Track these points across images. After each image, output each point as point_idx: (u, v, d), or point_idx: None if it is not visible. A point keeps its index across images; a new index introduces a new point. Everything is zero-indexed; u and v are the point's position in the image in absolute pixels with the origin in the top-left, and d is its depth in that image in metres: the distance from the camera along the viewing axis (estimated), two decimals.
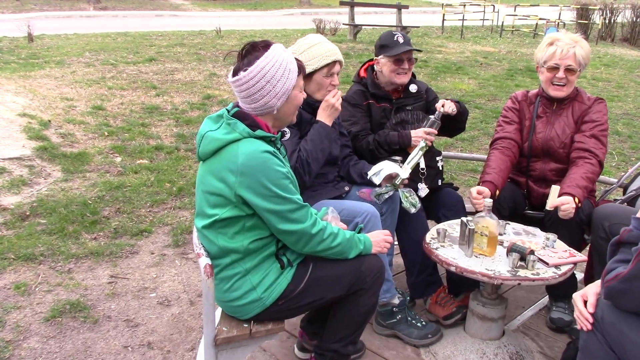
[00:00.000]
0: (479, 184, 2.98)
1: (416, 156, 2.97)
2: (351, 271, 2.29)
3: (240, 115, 2.16)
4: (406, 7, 15.46)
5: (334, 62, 2.90)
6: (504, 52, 14.07)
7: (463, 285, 3.06)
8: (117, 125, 6.57)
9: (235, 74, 2.17)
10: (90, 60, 9.98)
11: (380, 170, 2.89)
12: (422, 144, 3.02)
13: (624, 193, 3.29)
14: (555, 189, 2.78)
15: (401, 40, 3.20)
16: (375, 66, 3.31)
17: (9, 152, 5.29)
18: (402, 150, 3.16)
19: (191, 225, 4.31)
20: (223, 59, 9.95)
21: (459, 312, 2.95)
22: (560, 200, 2.75)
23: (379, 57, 3.24)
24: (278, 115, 2.24)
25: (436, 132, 3.13)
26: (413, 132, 3.14)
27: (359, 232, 2.40)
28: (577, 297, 2.11)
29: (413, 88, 3.33)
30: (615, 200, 3.20)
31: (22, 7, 20.87)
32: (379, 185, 2.89)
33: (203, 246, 2.25)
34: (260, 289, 2.21)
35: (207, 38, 13.52)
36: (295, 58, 2.25)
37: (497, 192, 2.95)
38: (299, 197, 2.19)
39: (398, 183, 2.87)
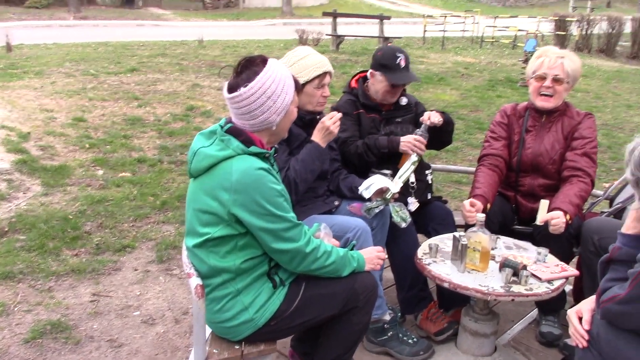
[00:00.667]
0: (469, 199, 2.96)
1: (408, 170, 2.95)
2: (345, 289, 2.24)
3: (234, 131, 2.11)
4: (388, 18, 15.55)
5: (325, 74, 2.89)
6: (484, 62, 14.21)
7: (454, 300, 3.03)
8: (99, 137, 6.46)
9: (232, 90, 2.11)
10: (70, 70, 9.83)
11: (370, 185, 2.86)
12: (414, 157, 2.99)
13: (610, 205, 3.30)
14: (544, 204, 2.78)
15: (403, 64, 3.16)
16: (368, 77, 3.29)
17: None
18: (392, 162, 3.13)
19: (176, 241, 4.24)
20: (218, 73, 9.84)
21: (451, 327, 2.92)
22: (550, 215, 2.75)
23: (377, 72, 3.20)
24: (276, 130, 2.20)
25: (425, 142, 3.11)
26: (403, 138, 3.11)
27: (351, 249, 2.36)
28: (571, 313, 2.09)
29: (403, 101, 3.33)
30: (602, 212, 3.20)
31: (0, 17, 20.61)
32: (370, 200, 2.86)
33: (193, 265, 2.19)
34: (252, 310, 2.15)
35: (189, 48, 13.44)
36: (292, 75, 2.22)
37: (488, 205, 2.94)
38: (293, 215, 2.15)
39: (389, 197, 2.84)
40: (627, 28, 18.83)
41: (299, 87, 2.30)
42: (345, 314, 2.26)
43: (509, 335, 3.12)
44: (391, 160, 3.16)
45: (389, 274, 3.23)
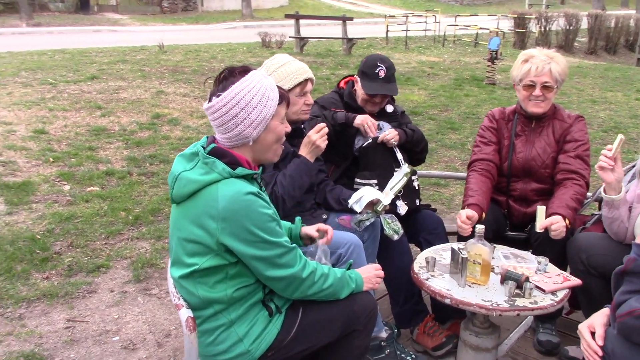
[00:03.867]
0: (463, 208, 2.88)
1: (400, 181, 2.86)
2: (344, 313, 2.12)
3: (217, 152, 1.95)
4: (351, 19, 15.56)
5: (306, 81, 2.80)
6: (448, 61, 14.32)
7: (450, 313, 2.95)
8: (63, 149, 6.19)
9: (209, 100, 1.98)
10: (27, 80, 9.44)
11: (361, 197, 2.76)
12: (406, 169, 2.91)
13: (600, 207, 3.27)
14: (541, 210, 2.71)
15: (382, 74, 3.10)
16: (354, 82, 3.25)
17: None
18: (379, 174, 3.05)
19: (152, 258, 4.06)
20: (203, 84, 9.56)
21: (450, 342, 2.84)
22: (550, 220, 2.68)
23: (358, 78, 3.19)
24: (256, 147, 2.03)
25: (396, 136, 3.08)
26: (359, 115, 3.07)
27: (348, 268, 2.25)
28: (583, 328, 2.03)
29: (389, 108, 3.28)
30: (593, 214, 3.16)
31: None
32: (360, 212, 2.76)
33: (182, 296, 2.03)
34: (247, 341, 1.99)
35: (150, 54, 13.13)
36: (278, 86, 2.08)
37: (484, 214, 2.86)
38: (287, 239, 2.00)
39: (380, 209, 2.74)
40: (584, 24, 19.31)
41: (286, 101, 2.13)
42: (345, 338, 2.14)
43: (506, 345, 3.04)
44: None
45: (380, 286, 3.13)
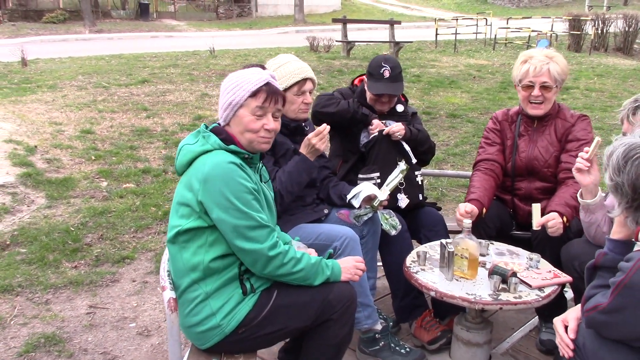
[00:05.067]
0: (464, 203, 2.89)
1: (396, 178, 2.89)
2: (318, 300, 2.18)
3: (215, 129, 2.20)
4: (399, 22, 15.53)
5: (304, 80, 2.87)
6: (497, 64, 14.08)
7: (449, 309, 2.96)
8: (105, 148, 6.51)
9: None
10: (82, 83, 9.96)
11: (358, 192, 2.82)
12: (403, 166, 2.94)
13: None
14: (536, 207, 2.70)
15: (387, 74, 3.15)
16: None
17: None
18: (380, 170, 3.11)
19: None
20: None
21: (444, 336, 2.85)
22: (545, 217, 2.67)
23: (365, 78, 3.27)
24: (232, 130, 2.21)
25: (402, 129, 3.14)
26: (375, 121, 3.18)
27: (329, 258, 2.31)
28: (557, 321, 2.03)
29: (399, 108, 3.34)
30: None
31: (17, 32, 20.99)
32: (359, 207, 2.82)
33: (170, 278, 2.17)
34: (219, 315, 2.12)
35: (200, 58, 13.54)
36: (271, 85, 2.19)
37: (484, 210, 2.87)
38: (263, 216, 2.11)
39: (376, 205, 2.79)
40: None
41: (264, 96, 2.18)
42: (320, 327, 2.20)
43: (508, 343, 3.03)
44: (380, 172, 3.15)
45: (386, 282, 3.17)
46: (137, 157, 6.31)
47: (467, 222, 2.44)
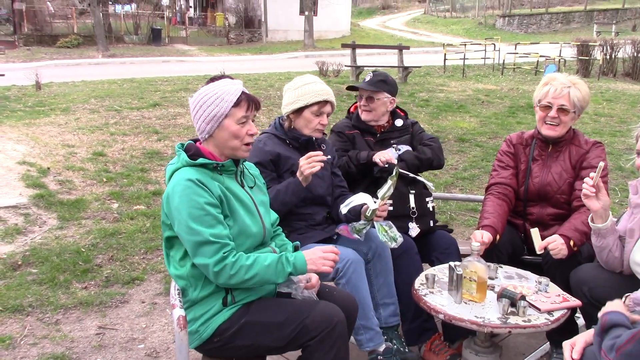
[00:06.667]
0: (478, 229, 2.90)
1: (386, 186, 2.75)
2: (293, 322, 2.19)
3: (187, 147, 2.32)
4: (407, 47, 15.66)
5: (325, 102, 2.94)
6: (505, 89, 14.12)
7: (459, 332, 2.95)
8: (117, 171, 6.59)
9: None
10: (95, 106, 10.10)
11: (350, 202, 2.80)
12: (393, 174, 2.89)
13: None
14: (535, 232, 2.73)
15: (368, 78, 3.36)
16: None
17: (6, 200, 5.28)
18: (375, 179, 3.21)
19: None
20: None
21: None
22: (546, 240, 2.70)
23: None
24: (215, 142, 2.29)
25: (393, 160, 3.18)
26: (378, 152, 3.21)
27: (295, 250, 2.38)
28: (566, 345, 2.05)
29: (398, 122, 3.43)
30: None
31: (32, 56, 21.38)
32: (356, 220, 2.82)
33: (179, 296, 2.20)
34: (199, 322, 2.24)
35: None
36: (247, 93, 2.28)
37: (498, 236, 2.87)
38: (214, 232, 2.13)
39: (369, 215, 2.74)
40: None
41: (248, 105, 2.27)
42: (305, 352, 2.22)
43: None
44: (371, 174, 3.26)
45: None
46: (147, 179, 6.37)
47: (476, 245, 2.45)
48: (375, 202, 2.73)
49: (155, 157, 7.23)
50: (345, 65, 15.00)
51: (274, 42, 29.33)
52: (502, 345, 2.73)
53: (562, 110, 3.01)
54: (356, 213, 2.83)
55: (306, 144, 2.96)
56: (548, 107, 3.03)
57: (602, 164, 2.57)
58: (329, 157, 2.98)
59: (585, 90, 3.07)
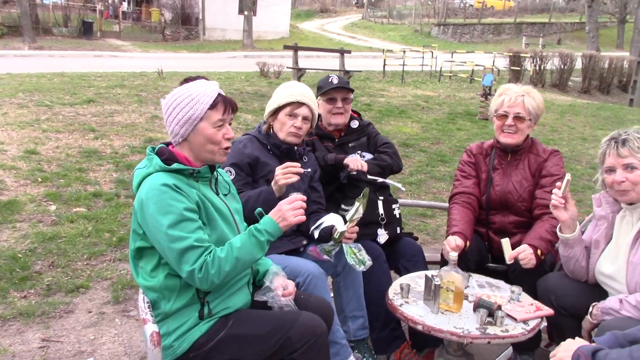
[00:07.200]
0: (447, 236, 2.89)
1: (354, 208, 2.67)
2: (276, 334, 2.12)
3: (160, 150, 2.17)
4: (349, 52, 15.77)
5: (297, 103, 2.86)
6: (443, 96, 14.48)
7: (427, 340, 2.93)
8: (52, 170, 6.19)
9: None
10: (23, 101, 9.50)
11: (320, 224, 2.77)
12: (360, 197, 2.83)
13: None
14: (505, 242, 2.76)
15: (335, 81, 3.26)
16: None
17: None
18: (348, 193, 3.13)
19: (133, 280, 4.02)
20: None
21: None
22: (516, 250, 2.73)
23: (317, 99, 3.24)
24: (190, 146, 2.18)
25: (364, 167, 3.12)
26: (349, 156, 3.16)
27: (260, 217, 2.21)
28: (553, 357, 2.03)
29: (354, 124, 3.37)
30: None
31: None
32: (326, 242, 2.75)
33: (150, 310, 2.05)
34: (173, 336, 2.10)
35: (148, 79, 13.24)
36: (223, 95, 2.18)
37: (468, 243, 2.88)
38: (197, 235, 2.04)
39: (337, 237, 2.67)
40: (578, 64, 19.60)
41: (223, 108, 2.17)
42: None
43: None
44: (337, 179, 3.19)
45: None
46: (86, 179, 6.03)
47: (454, 255, 2.43)
48: (344, 224, 2.67)
49: (93, 156, 6.87)
50: (287, 67, 14.90)
51: (211, 41, 28.79)
52: (473, 353, 2.72)
53: (518, 118, 3.07)
54: (328, 233, 2.76)
55: (287, 153, 2.86)
56: (504, 116, 3.10)
57: (568, 176, 2.62)
58: (308, 170, 2.90)
59: (539, 98, 3.15)
